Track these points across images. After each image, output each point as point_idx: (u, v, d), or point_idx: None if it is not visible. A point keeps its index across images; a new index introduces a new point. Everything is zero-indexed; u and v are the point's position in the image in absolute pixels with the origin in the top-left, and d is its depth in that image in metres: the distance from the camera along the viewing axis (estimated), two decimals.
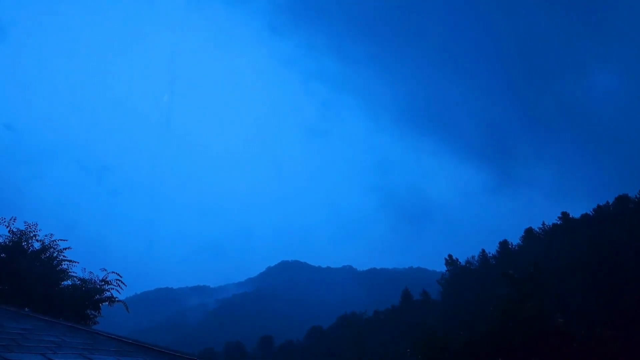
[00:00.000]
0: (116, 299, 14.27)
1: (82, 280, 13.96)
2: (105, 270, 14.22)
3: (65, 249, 13.98)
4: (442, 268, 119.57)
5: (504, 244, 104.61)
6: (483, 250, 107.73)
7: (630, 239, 66.10)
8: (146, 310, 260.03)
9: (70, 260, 14.02)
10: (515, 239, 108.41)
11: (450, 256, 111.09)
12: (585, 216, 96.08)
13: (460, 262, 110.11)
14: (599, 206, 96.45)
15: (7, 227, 13.50)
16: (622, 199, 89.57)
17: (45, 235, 13.98)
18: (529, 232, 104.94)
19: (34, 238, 13.81)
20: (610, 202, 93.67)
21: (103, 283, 14.07)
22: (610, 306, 49.77)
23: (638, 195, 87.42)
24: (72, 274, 13.99)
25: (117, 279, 14.10)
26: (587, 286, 58.78)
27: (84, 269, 14.14)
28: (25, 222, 13.77)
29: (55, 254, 13.90)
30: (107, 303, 14.14)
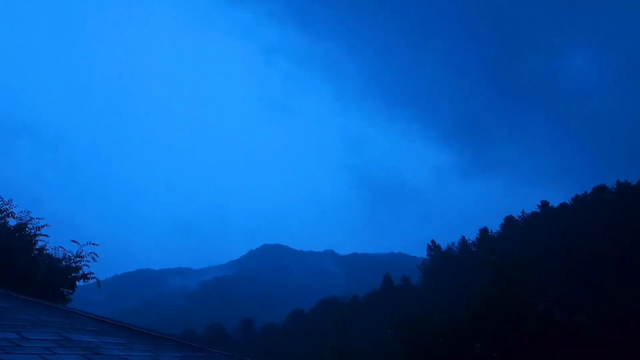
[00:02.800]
0: (92, 275, 13.75)
1: (54, 258, 13.48)
2: (77, 242, 13.54)
3: (42, 226, 13.59)
4: (422, 254, 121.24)
5: (484, 232, 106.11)
6: (463, 237, 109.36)
7: (607, 229, 67.49)
8: (127, 292, 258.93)
9: (43, 234, 13.52)
10: (493, 224, 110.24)
11: (433, 242, 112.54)
12: (563, 205, 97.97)
13: (441, 248, 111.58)
14: (577, 196, 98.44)
15: None
16: (599, 190, 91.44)
17: (21, 212, 13.55)
18: (509, 219, 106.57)
19: (10, 215, 13.41)
20: (588, 191, 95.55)
21: (78, 259, 13.52)
22: (586, 294, 50.94)
23: (615, 186, 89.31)
24: (49, 251, 13.58)
25: (91, 252, 13.48)
26: (565, 274, 59.90)
27: (58, 247, 13.62)
28: (0, 198, 13.35)
29: (32, 232, 13.52)
30: (82, 280, 13.62)
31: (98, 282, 14.13)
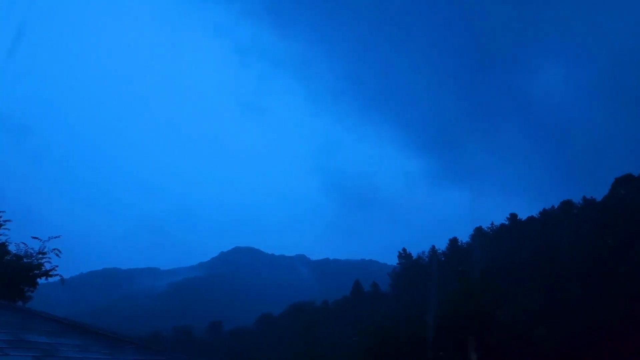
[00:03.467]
0: (54, 271, 13.30)
1: (17, 255, 13.05)
2: (39, 239, 13.07)
3: (5, 221, 13.16)
4: (392, 261, 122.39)
5: (453, 242, 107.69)
6: (433, 247, 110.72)
7: (572, 244, 69.24)
8: (92, 291, 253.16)
9: (4, 227, 13.07)
10: (463, 233, 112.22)
11: (404, 250, 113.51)
12: (531, 218, 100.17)
13: (412, 256, 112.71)
14: (544, 210, 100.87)
15: None
16: (566, 204, 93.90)
17: None
18: (478, 230, 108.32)
19: None
20: (556, 205, 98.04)
21: (40, 255, 13.07)
22: (550, 306, 52.10)
23: (581, 202, 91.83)
24: (10, 247, 13.15)
25: (54, 249, 13.03)
26: (531, 286, 61.10)
27: (20, 243, 13.17)
28: None
29: None
30: (44, 278, 13.17)
31: (61, 278, 13.64)
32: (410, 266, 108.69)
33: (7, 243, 13.09)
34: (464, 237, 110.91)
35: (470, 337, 14.57)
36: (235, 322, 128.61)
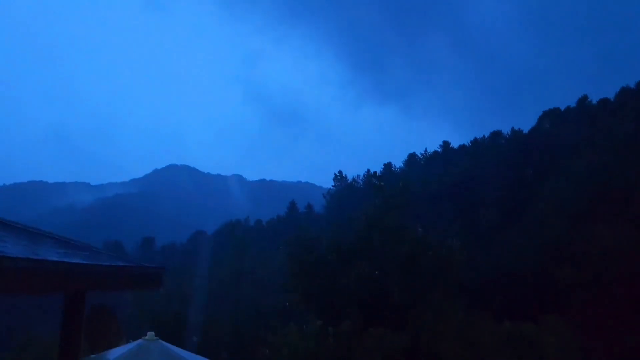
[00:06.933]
0: None
1: None
2: None
3: None
4: (328, 184, 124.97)
5: (388, 166, 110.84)
6: (368, 170, 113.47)
7: (498, 172, 73.16)
8: (15, 204, 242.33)
9: None
10: (398, 157, 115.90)
11: (340, 172, 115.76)
12: (462, 147, 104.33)
13: (347, 179, 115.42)
14: (475, 139, 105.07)
15: None
16: (495, 135, 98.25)
17: None
18: (412, 156, 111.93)
19: None
20: (486, 135, 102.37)
21: None
22: (470, 229, 55.72)
23: (509, 133, 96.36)
24: None
25: None
26: (456, 211, 64.63)
27: None
28: None
29: None
30: None
31: None
32: (345, 188, 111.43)
33: None
34: (399, 162, 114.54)
35: (387, 247, 15.35)
36: (168, 239, 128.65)
